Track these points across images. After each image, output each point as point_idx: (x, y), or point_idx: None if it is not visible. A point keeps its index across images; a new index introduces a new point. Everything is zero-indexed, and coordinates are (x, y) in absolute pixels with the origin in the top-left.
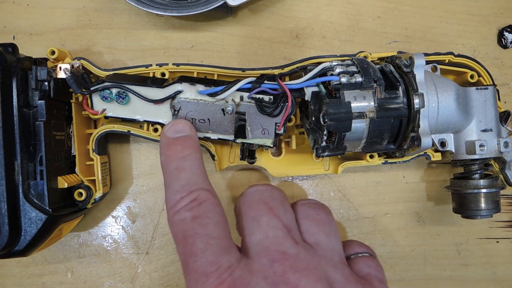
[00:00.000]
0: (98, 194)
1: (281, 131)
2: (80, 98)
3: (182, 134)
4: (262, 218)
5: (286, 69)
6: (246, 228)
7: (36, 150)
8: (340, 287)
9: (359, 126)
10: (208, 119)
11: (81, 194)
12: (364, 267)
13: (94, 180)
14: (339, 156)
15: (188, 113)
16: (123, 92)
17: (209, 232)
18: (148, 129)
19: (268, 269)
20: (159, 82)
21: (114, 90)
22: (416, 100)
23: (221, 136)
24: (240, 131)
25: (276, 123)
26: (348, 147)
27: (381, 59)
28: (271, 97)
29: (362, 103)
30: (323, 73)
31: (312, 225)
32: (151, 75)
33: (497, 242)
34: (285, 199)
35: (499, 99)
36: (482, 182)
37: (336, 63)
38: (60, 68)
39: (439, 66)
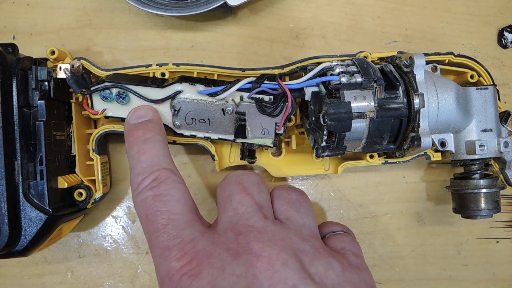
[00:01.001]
0: (98, 194)
1: (281, 131)
2: (80, 98)
3: (144, 119)
4: (234, 197)
5: (286, 69)
6: (219, 207)
7: (36, 150)
8: (309, 258)
9: (359, 126)
10: (208, 119)
11: (81, 194)
12: (338, 243)
13: (94, 180)
14: (339, 156)
15: (188, 113)
16: (123, 92)
17: (170, 208)
18: None
19: (232, 241)
20: (159, 82)
21: (114, 90)
22: (416, 100)
23: (221, 136)
24: (240, 131)
25: (276, 123)
26: (348, 147)
27: (381, 59)
28: (271, 97)
29: (362, 103)
30: (323, 73)
31: (283, 203)
32: (151, 75)
33: (497, 242)
34: (262, 183)
35: (499, 99)
36: (482, 182)
37: (336, 63)
38: (60, 68)
39: (439, 66)
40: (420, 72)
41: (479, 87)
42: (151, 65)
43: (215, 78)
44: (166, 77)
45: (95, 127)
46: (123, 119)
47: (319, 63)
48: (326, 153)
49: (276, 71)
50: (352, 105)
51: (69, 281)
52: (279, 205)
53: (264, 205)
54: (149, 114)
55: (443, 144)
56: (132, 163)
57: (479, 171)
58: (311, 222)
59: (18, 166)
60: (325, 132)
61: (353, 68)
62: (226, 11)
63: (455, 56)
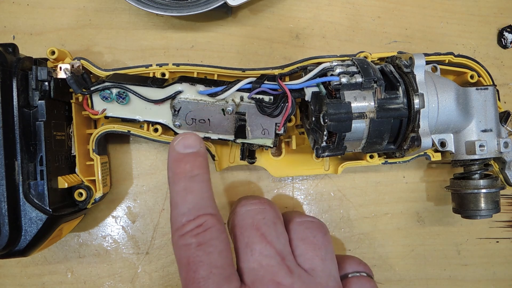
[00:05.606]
0: (98, 194)
1: (281, 131)
2: (80, 98)
3: (192, 150)
4: (255, 246)
5: (286, 69)
6: (239, 254)
7: (36, 150)
8: None
9: (359, 126)
10: (208, 119)
11: (81, 194)
12: None
13: (94, 180)
14: (339, 156)
15: (188, 113)
16: (123, 92)
17: (212, 260)
18: (148, 129)
19: None
20: (159, 82)
21: (114, 90)
22: (416, 101)
23: (221, 136)
24: (240, 131)
25: (276, 123)
26: (348, 148)
27: (381, 59)
28: (271, 97)
29: (362, 103)
30: (323, 73)
31: (308, 249)
32: (151, 75)
33: (497, 242)
34: (278, 219)
35: (499, 99)
36: (482, 182)
37: (336, 63)
38: (60, 68)
39: (439, 66)
40: (420, 73)
41: (479, 87)
42: (151, 65)
43: (215, 78)
44: (166, 77)
45: (95, 127)
46: (123, 119)
47: (319, 63)
48: (326, 153)
49: (276, 71)
50: (352, 105)
51: (69, 281)
52: (303, 250)
53: (286, 254)
54: (197, 145)
55: (443, 144)
56: (177, 199)
57: (479, 171)
58: (334, 269)
59: (18, 166)
60: (325, 133)
61: (353, 69)
62: (226, 11)
63: (455, 56)
